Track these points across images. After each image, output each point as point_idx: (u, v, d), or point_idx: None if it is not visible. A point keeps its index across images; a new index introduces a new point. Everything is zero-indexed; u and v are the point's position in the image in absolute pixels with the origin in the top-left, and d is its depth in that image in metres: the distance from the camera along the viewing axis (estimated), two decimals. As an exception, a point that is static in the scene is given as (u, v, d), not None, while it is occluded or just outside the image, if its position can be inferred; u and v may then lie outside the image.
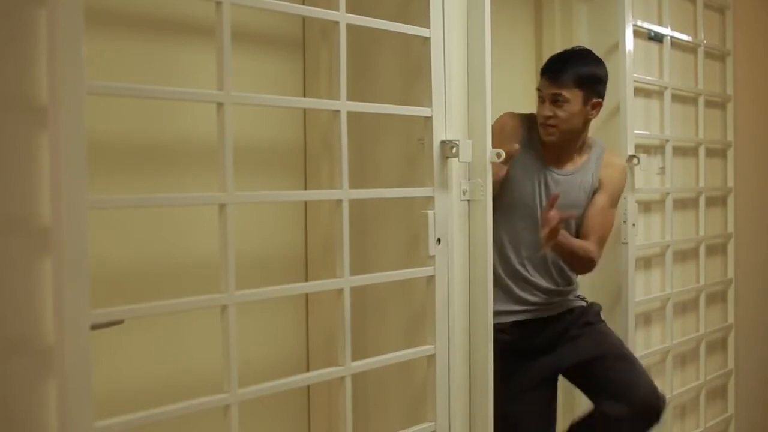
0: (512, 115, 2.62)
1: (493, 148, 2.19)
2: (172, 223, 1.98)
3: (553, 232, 2.32)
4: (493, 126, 2.23)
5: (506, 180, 2.51)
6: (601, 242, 2.58)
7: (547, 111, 2.50)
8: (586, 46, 2.67)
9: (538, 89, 2.55)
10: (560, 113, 2.49)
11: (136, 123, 1.90)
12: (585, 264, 2.56)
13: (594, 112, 2.54)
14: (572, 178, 2.57)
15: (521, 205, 2.54)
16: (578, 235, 2.58)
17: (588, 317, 2.65)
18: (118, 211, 1.78)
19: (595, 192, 2.59)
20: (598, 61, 2.58)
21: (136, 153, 1.93)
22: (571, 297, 2.65)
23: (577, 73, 2.49)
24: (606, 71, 2.59)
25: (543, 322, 2.60)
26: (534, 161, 2.56)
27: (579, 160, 2.60)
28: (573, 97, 2.48)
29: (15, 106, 1.39)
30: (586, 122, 2.56)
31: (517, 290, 2.56)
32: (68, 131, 1.32)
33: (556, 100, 2.49)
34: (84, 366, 1.34)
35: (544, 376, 2.60)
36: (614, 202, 2.64)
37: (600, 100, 2.54)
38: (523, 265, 2.57)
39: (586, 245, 2.53)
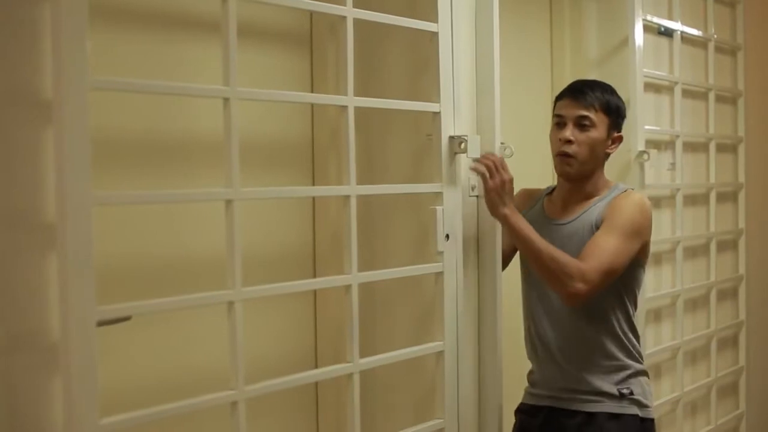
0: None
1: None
2: (179, 219, 1.97)
3: (490, 189, 2.07)
4: None
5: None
6: (597, 269, 2.08)
7: (569, 133, 2.20)
8: (595, 41, 2.63)
9: (557, 114, 2.26)
10: (583, 138, 2.21)
11: (144, 119, 1.90)
12: (556, 279, 2.08)
13: (614, 146, 2.29)
14: (573, 225, 2.25)
15: (524, 268, 2.33)
16: None
17: None
18: (125, 207, 1.78)
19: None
20: (619, 97, 2.33)
21: (144, 149, 1.93)
22: (590, 391, 2.22)
23: (605, 99, 2.25)
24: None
25: (540, 412, 2.30)
26: (537, 217, 2.30)
27: (586, 204, 2.27)
28: (600, 122, 2.22)
29: (20, 101, 1.39)
30: (604, 158, 2.28)
31: (533, 367, 2.33)
32: (73, 126, 1.32)
33: (581, 124, 2.21)
34: (90, 363, 1.34)
35: None
36: (617, 230, 2.15)
37: (621, 134, 2.30)
38: (536, 338, 2.31)
39: (565, 258, 2.08)
